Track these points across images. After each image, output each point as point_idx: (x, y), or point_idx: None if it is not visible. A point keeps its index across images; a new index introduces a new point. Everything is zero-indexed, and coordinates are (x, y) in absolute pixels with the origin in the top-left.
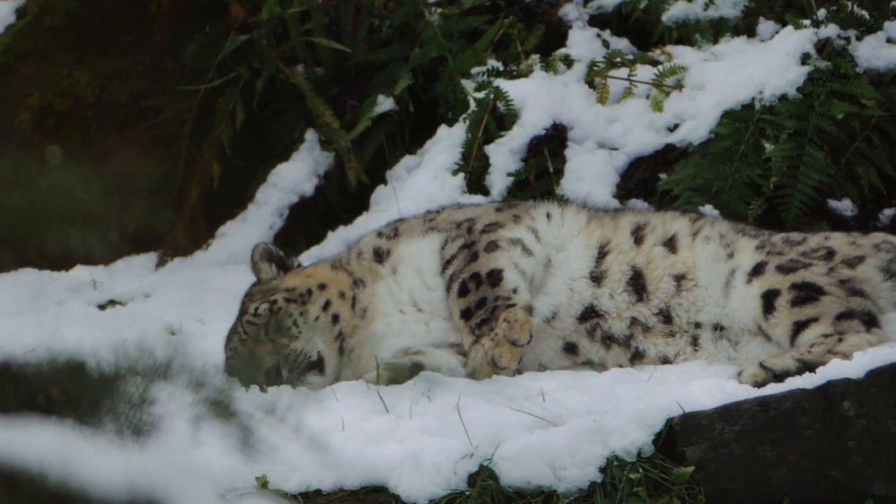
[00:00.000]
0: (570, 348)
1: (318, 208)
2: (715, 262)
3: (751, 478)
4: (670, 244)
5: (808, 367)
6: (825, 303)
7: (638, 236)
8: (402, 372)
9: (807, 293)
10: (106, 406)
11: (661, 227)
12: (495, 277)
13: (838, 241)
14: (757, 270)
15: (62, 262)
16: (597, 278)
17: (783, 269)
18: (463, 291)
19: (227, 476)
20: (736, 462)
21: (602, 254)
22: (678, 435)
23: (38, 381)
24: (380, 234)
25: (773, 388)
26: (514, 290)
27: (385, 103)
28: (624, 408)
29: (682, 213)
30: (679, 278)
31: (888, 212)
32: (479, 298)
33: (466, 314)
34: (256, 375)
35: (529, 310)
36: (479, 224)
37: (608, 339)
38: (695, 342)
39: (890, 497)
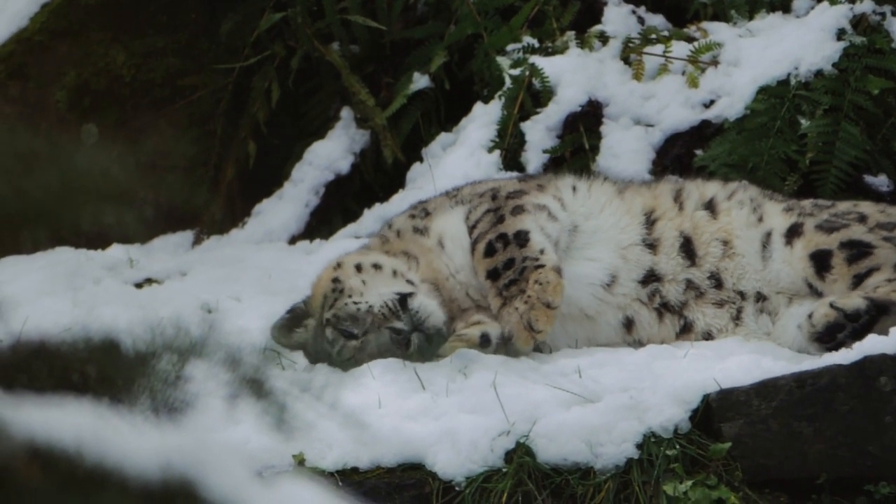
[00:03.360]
0: (629, 324)
1: (354, 186)
2: (748, 227)
3: (787, 454)
4: (710, 207)
5: (877, 305)
6: (879, 255)
7: (679, 202)
8: (473, 342)
9: (859, 250)
10: (141, 384)
11: (696, 192)
12: (522, 238)
13: (868, 208)
14: (794, 231)
15: (98, 241)
16: (651, 245)
17: (824, 229)
18: (489, 252)
19: (264, 454)
20: (772, 438)
21: (650, 221)
22: (715, 411)
23: (74, 360)
24: (412, 216)
25: (809, 364)
26: (542, 251)
27: (420, 81)
28: (660, 384)
29: (710, 178)
30: (725, 243)
31: None
32: (506, 259)
33: (493, 275)
34: (394, 356)
35: (559, 271)
36: (504, 192)
37: (663, 307)
38: (738, 315)
39: None
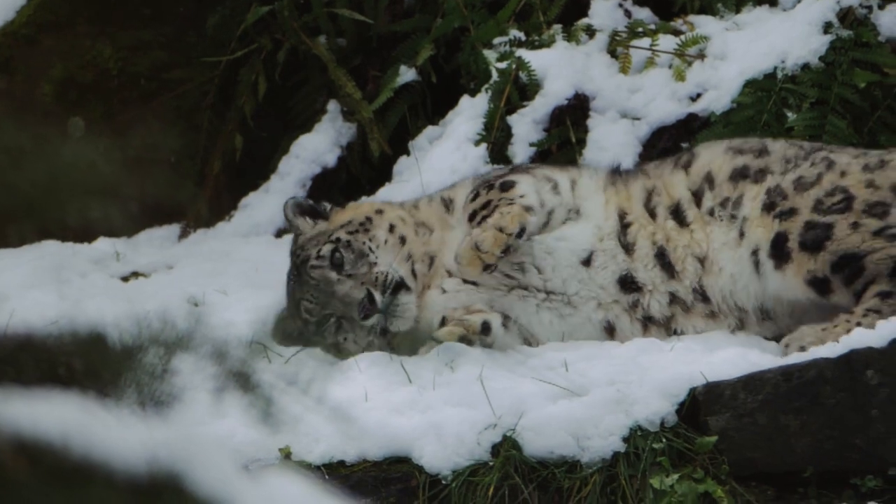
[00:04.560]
0: (610, 329)
1: (340, 179)
2: (730, 248)
3: (774, 447)
4: (678, 215)
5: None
6: (871, 266)
7: (650, 208)
8: (474, 329)
9: (850, 270)
10: (128, 378)
11: (664, 192)
12: (507, 185)
13: (852, 177)
14: (781, 252)
15: (84, 235)
16: (627, 247)
17: (809, 247)
18: (474, 197)
19: (250, 447)
20: (759, 431)
21: (624, 224)
22: (701, 405)
23: (61, 353)
24: (447, 188)
25: (796, 358)
26: (522, 196)
27: (407, 74)
28: (647, 378)
29: (674, 162)
30: (702, 260)
31: None
32: (485, 201)
33: (472, 217)
34: (349, 312)
35: (529, 210)
36: (520, 164)
37: (647, 321)
38: (740, 325)
39: None
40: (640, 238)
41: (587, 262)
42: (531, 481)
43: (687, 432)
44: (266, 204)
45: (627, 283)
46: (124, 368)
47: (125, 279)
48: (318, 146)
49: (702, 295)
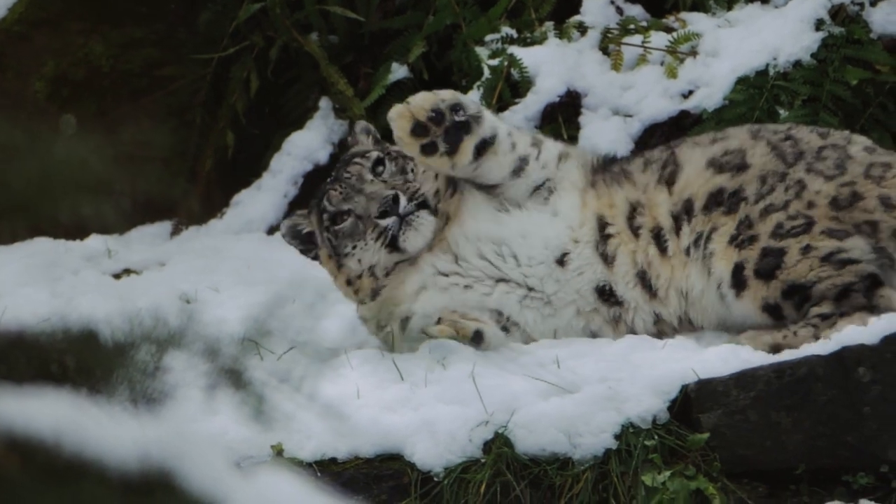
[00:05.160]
0: (593, 336)
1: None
2: (700, 277)
3: (766, 444)
4: (660, 242)
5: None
6: (818, 293)
7: (633, 227)
8: (466, 335)
9: (799, 297)
10: (120, 375)
11: (648, 212)
12: (475, 113)
13: (822, 197)
14: (739, 281)
15: (77, 232)
16: (606, 258)
17: (762, 276)
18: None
19: (242, 445)
20: (751, 428)
21: (605, 235)
22: (693, 402)
23: (53, 351)
24: None
25: (788, 355)
26: (483, 112)
27: (399, 71)
28: (639, 375)
29: (659, 170)
30: (685, 294)
31: None
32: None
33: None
34: (370, 209)
35: (479, 107)
36: None
37: (633, 335)
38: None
39: None
40: (622, 254)
41: (561, 261)
42: (523, 478)
43: (679, 429)
44: (258, 201)
45: (606, 295)
46: (116, 365)
47: (117, 276)
48: (310, 143)
49: (688, 321)
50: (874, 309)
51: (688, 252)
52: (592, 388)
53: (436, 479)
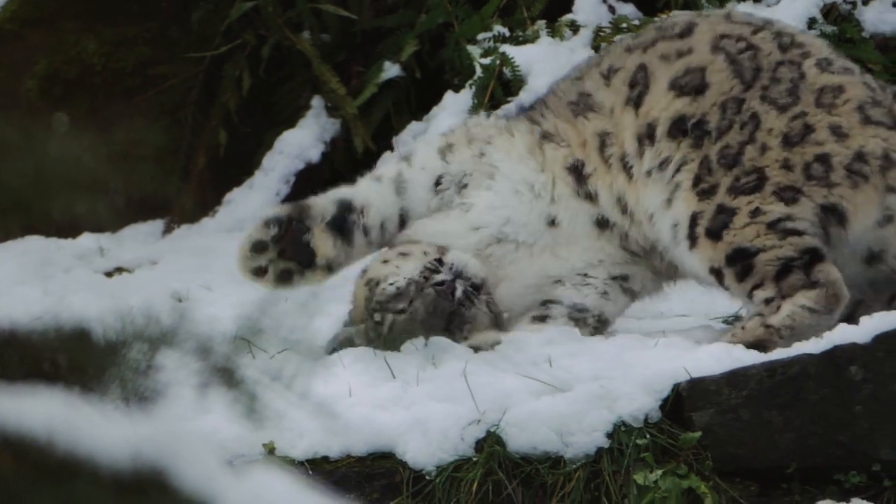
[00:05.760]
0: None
1: (324, 175)
2: (657, 197)
3: (758, 443)
4: (626, 169)
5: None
6: (760, 265)
7: (605, 156)
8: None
9: (742, 265)
10: (112, 373)
11: (616, 140)
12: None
13: (771, 156)
14: (692, 234)
15: (69, 230)
16: (589, 196)
17: (712, 235)
18: None
19: (234, 443)
20: (743, 427)
21: (582, 177)
22: (685, 400)
23: (45, 349)
24: None
25: (780, 353)
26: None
27: (391, 69)
28: (631, 373)
29: (627, 91)
30: (650, 216)
31: None
32: None
33: None
34: None
35: None
36: None
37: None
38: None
39: None
40: (602, 188)
41: (552, 223)
42: (515, 477)
43: (671, 428)
44: (250, 199)
45: (603, 224)
46: (108, 364)
47: (109, 274)
48: (302, 142)
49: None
50: (814, 285)
51: (649, 174)
52: (584, 386)
53: (428, 477)
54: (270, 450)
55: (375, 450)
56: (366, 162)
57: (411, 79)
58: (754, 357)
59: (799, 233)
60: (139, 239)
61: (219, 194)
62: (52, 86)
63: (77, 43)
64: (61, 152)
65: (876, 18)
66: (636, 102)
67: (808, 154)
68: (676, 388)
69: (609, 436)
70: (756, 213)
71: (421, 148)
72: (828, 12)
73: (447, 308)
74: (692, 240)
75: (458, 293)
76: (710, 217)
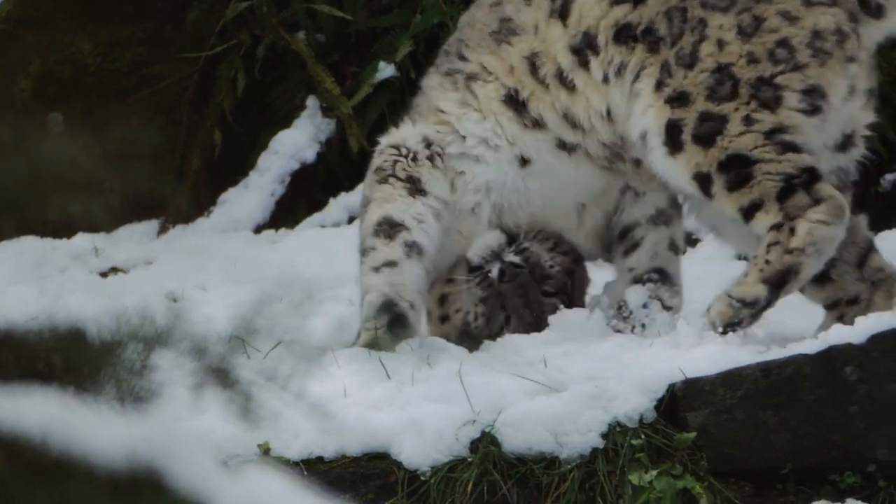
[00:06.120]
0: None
1: (319, 175)
2: (623, 102)
3: (753, 443)
4: (565, 83)
5: (774, 284)
6: (759, 177)
7: (539, 77)
8: None
9: (738, 173)
10: (107, 374)
11: (546, 56)
12: None
13: (732, 50)
14: (675, 141)
15: (64, 230)
16: (536, 123)
17: (702, 141)
18: None
19: (229, 443)
20: (738, 427)
21: (520, 105)
22: (680, 400)
23: (40, 349)
24: None
25: (774, 354)
26: None
27: (386, 70)
28: (626, 374)
29: (549, 2)
30: (608, 115)
31: (889, 177)
32: None
33: None
34: None
35: None
36: None
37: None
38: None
39: (892, 462)
40: (544, 110)
41: (523, 162)
42: (510, 477)
43: (665, 428)
44: (245, 199)
45: (564, 146)
46: (103, 364)
47: (104, 275)
48: (297, 142)
49: (622, 140)
50: (819, 201)
51: (606, 80)
52: (579, 386)
53: (422, 477)
54: (265, 450)
55: (370, 450)
56: (361, 162)
57: (406, 79)
58: (749, 357)
59: (797, 148)
60: (134, 239)
61: (214, 194)
62: (47, 86)
63: (71, 43)
64: (56, 152)
65: None
66: (561, 13)
67: (769, 41)
68: (671, 389)
69: (604, 436)
70: (749, 120)
71: None
72: None
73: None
74: (673, 146)
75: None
76: (694, 124)
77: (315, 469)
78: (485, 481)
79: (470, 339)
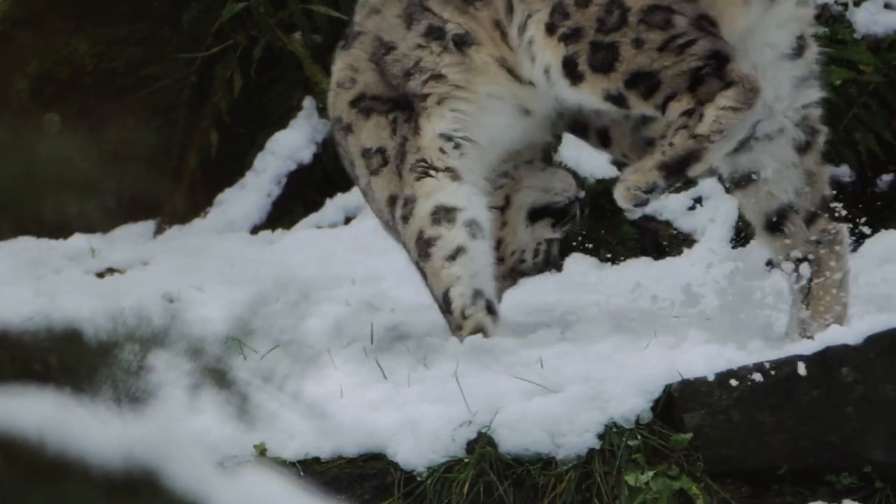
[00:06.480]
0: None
1: (315, 176)
2: (527, 63)
3: (749, 444)
4: (505, 38)
5: (673, 168)
6: (667, 81)
7: (501, 31)
8: None
9: (646, 84)
10: (104, 374)
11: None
12: None
13: None
14: (574, 73)
15: (60, 231)
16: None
17: (601, 69)
18: None
19: (225, 444)
20: (734, 428)
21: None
22: (676, 401)
23: (36, 350)
24: None
25: (771, 354)
26: None
27: None
28: (622, 374)
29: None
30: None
31: (886, 178)
32: None
33: None
34: None
35: None
36: None
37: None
38: None
39: (888, 462)
40: (488, 63)
41: (525, 113)
42: (506, 478)
43: (662, 429)
44: (242, 200)
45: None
46: (100, 365)
47: (101, 275)
48: (293, 142)
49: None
50: (730, 84)
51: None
52: (576, 387)
53: (419, 478)
54: (262, 451)
55: (367, 451)
56: None
57: None
58: (745, 358)
59: (692, 41)
60: (130, 239)
61: (210, 195)
62: (44, 86)
63: (68, 43)
64: (52, 153)
65: (868, 19)
66: None
67: None
68: (668, 390)
69: (600, 437)
70: (639, 42)
71: None
72: (819, 13)
73: None
74: (574, 77)
75: None
76: (588, 56)
77: (311, 470)
78: (481, 482)
79: (519, 275)
